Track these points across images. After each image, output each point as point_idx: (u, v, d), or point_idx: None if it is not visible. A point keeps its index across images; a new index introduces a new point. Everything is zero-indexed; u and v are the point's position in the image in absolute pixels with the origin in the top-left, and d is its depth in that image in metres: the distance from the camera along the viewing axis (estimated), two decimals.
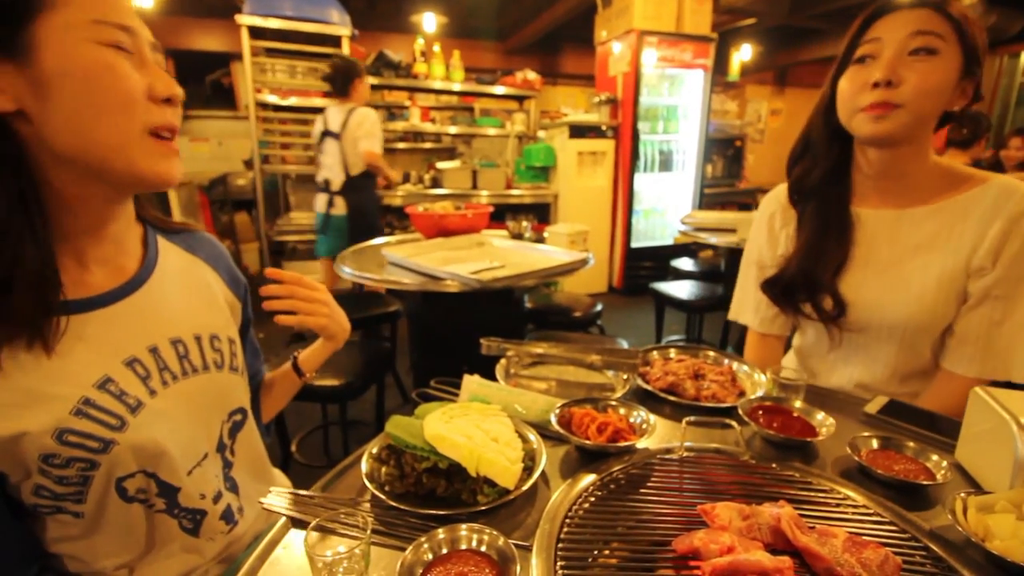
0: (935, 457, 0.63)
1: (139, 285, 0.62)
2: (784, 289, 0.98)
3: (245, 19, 3.49)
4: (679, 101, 4.60)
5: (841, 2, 4.80)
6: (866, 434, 0.68)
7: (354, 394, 1.63)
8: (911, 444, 0.66)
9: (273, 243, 3.98)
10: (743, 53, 6.79)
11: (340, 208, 2.89)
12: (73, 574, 0.59)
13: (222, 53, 6.10)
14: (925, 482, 0.60)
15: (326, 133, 2.85)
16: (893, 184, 0.90)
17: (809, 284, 0.94)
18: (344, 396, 1.62)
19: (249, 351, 0.80)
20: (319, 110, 3.88)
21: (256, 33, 3.57)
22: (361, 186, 2.89)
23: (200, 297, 0.68)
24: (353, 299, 2.42)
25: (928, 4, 0.80)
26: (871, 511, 0.57)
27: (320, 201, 2.96)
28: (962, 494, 0.54)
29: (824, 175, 0.94)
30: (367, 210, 2.96)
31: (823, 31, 6.26)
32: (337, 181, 2.87)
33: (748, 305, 1.09)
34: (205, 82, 6.47)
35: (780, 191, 1.04)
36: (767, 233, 1.05)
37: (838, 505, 0.59)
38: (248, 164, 4.13)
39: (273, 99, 3.77)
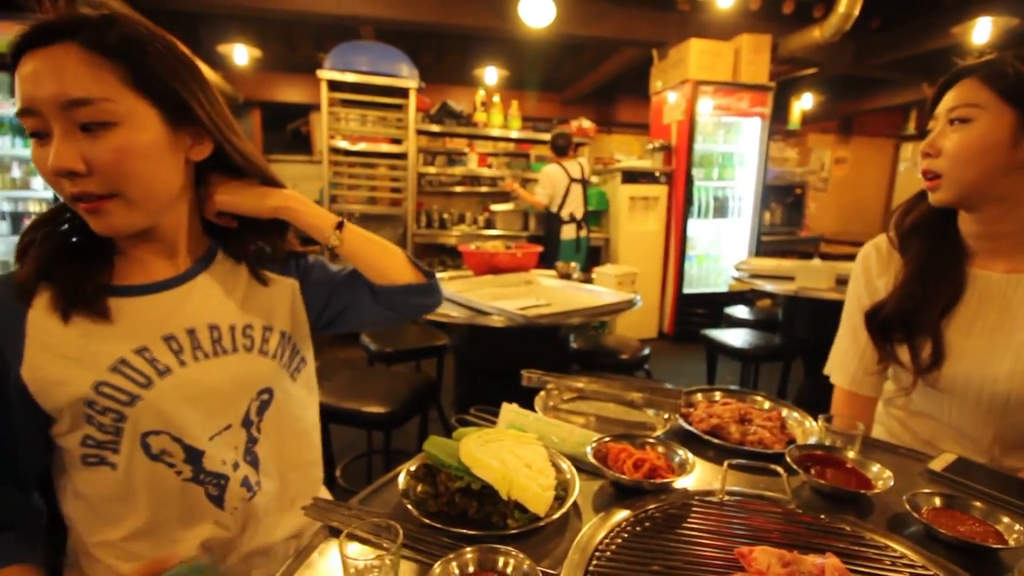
0: (1006, 520, 0.58)
1: (186, 280, 0.71)
2: (883, 322, 0.93)
3: (325, 74, 3.84)
4: (735, 148, 4.57)
5: (904, 51, 4.68)
6: (928, 491, 0.63)
7: (397, 422, 1.66)
8: (979, 505, 0.61)
9: None
10: (804, 102, 6.70)
11: (585, 231, 4.06)
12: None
13: (303, 104, 6.71)
14: (995, 545, 0.54)
15: (573, 180, 3.94)
16: (1000, 244, 0.87)
17: (911, 320, 0.89)
18: (388, 424, 1.65)
19: (345, 280, 0.86)
20: (385, 155, 4.17)
21: (334, 86, 3.91)
22: (593, 214, 4.19)
23: (241, 296, 0.76)
24: (403, 330, 2.50)
25: (973, 73, 0.82)
26: (931, 572, 0.53)
27: (570, 229, 4.00)
28: None
29: (932, 222, 0.92)
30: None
31: (888, 80, 6.09)
32: (580, 213, 4.00)
33: (841, 362, 1.04)
34: (286, 130, 7.09)
35: (879, 240, 1.01)
36: (864, 283, 1.00)
37: (893, 564, 0.54)
38: (318, 204, 4.46)
39: (344, 144, 4.08)
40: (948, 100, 0.84)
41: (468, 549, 0.50)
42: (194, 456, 0.66)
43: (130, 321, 0.65)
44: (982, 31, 3.85)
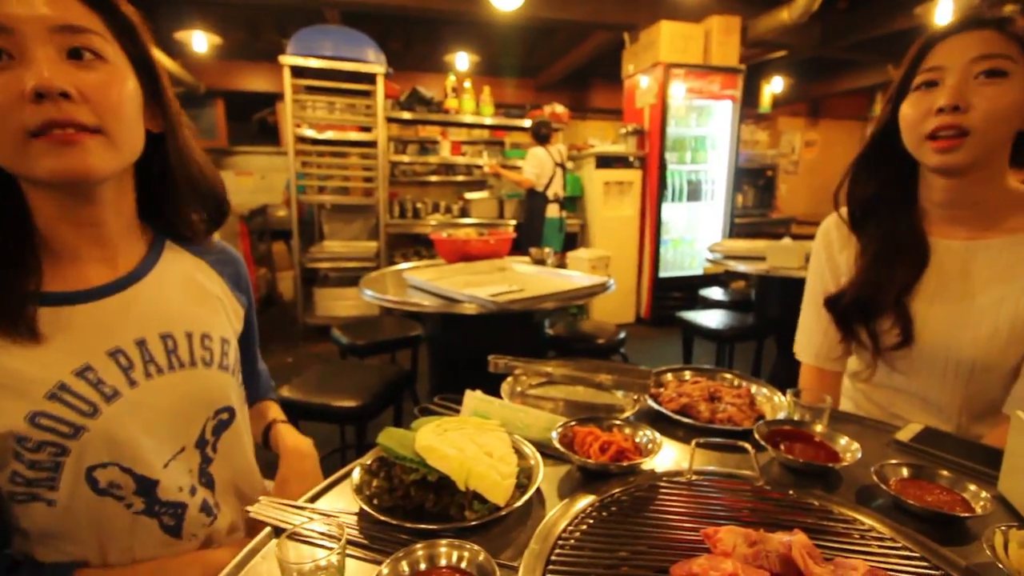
0: (973, 488, 0.57)
1: (132, 282, 0.63)
2: (845, 309, 0.92)
3: (288, 59, 3.70)
4: (707, 131, 4.58)
5: (873, 32, 4.74)
6: (895, 462, 0.62)
7: (370, 415, 1.62)
8: (946, 474, 0.60)
9: (306, 270, 4.10)
10: (774, 85, 6.75)
11: (564, 213, 4.23)
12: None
13: (269, 93, 6.50)
14: (962, 514, 0.54)
15: (558, 165, 4.10)
16: (964, 212, 0.85)
17: (871, 306, 0.88)
18: (359, 417, 1.61)
19: (245, 370, 0.78)
20: (354, 143, 4.05)
21: (298, 72, 3.77)
22: (568, 200, 4.42)
23: (196, 297, 0.69)
24: (376, 322, 2.45)
25: (989, 24, 0.76)
26: (899, 544, 0.52)
27: (554, 208, 4.16)
28: (1002, 527, 0.48)
29: (887, 194, 0.90)
30: None
31: (857, 62, 6.18)
32: (562, 194, 4.16)
33: (807, 339, 1.03)
34: (252, 121, 6.87)
35: (839, 215, 0.98)
36: (826, 259, 0.99)
37: (862, 537, 0.53)
38: (287, 194, 4.32)
39: (311, 133, 3.95)
40: (963, 51, 0.76)
41: (418, 545, 0.46)
42: (147, 487, 0.59)
43: (67, 336, 0.56)
44: (944, 10, 3.91)
